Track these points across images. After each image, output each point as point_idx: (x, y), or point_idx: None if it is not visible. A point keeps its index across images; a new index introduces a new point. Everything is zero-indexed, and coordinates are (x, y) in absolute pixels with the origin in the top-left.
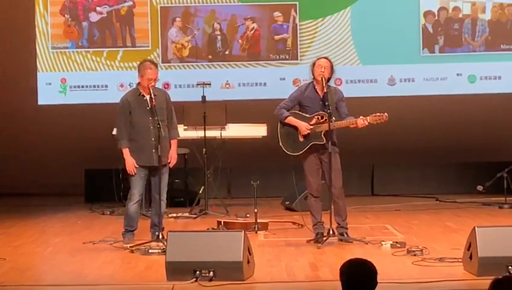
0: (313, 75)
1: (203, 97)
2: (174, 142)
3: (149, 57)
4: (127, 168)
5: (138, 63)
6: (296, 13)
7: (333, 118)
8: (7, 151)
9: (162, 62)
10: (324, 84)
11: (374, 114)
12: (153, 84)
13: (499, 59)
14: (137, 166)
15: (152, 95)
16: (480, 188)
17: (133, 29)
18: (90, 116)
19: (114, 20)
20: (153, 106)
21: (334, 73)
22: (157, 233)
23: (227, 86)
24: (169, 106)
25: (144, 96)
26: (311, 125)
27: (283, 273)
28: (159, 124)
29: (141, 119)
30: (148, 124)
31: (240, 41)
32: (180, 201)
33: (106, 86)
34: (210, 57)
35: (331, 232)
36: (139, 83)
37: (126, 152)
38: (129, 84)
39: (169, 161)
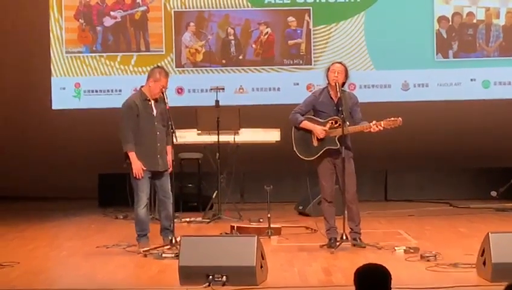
0: (327, 80)
1: (217, 102)
2: (169, 148)
3: (163, 62)
4: (135, 172)
5: (151, 67)
6: (310, 18)
7: (347, 122)
8: (21, 155)
9: (176, 67)
10: (338, 89)
11: (387, 119)
12: (163, 91)
13: None
14: (144, 169)
15: (166, 99)
16: (494, 193)
17: (147, 33)
18: (104, 121)
19: (128, 24)
20: (167, 109)
21: (348, 78)
22: (170, 237)
23: (241, 90)
24: (168, 112)
25: (150, 101)
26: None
27: (296, 278)
28: (172, 128)
29: (147, 124)
30: (155, 129)
31: (253, 46)
32: (194, 206)
33: (120, 90)
34: (224, 61)
35: (344, 237)
36: (143, 87)
37: (133, 155)
38: (139, 88)
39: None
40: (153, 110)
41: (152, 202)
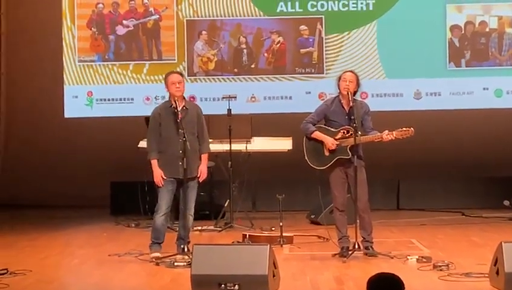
0: (339, 89)
1: (229, 110)
2: (204, 157)
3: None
4: (155, 180)
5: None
6: (322, 27)
7: (359, 132)
8: (33, 163)
9: (188, 75)
10: (350, 98)
11: (400, 129)
12: (178, 86)
13: None
14: (165, 178)
15: (178, 108)
16: (506, 203)
17: (159, 42)
18: (116, 129)
19: (140, 33)
20: (180, 118)
21: (360, 86)
22: (182, 246)
23: (253, 99)
24: (201, 120)
25: (176, 108)
26: (336, 139)
27: (308, 287)
28: (184, 136)
29: (171, 131)
30: (178, 136)
31: (265, 54)
32: (206, 214)
33: (132, 99)
34: (236, 70)
35: (356, 246)
36: (169, 96)
37: (154, 163)
38: (155, 97)
39: (198, 175)
40: (177, 118)
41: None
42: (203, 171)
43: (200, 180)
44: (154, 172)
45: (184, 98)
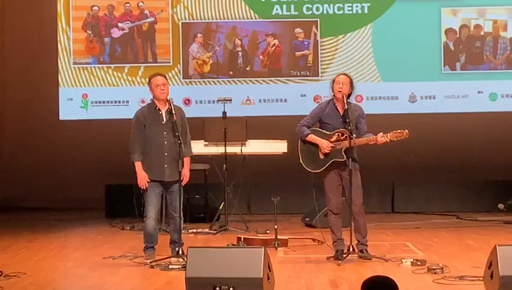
0: (333, 91)
1: (224, 113)
2: (186, 160)
3: (170, 73)
4: (139, 182)
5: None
6: (317, 30)
7: (354, 135)
8: (28, 166)
9: (183, 78)
10: (344, 101)
11: (394, 131)
12: (163, 88)
13: None
14: (148, 181)
15: (173, 111)
16: (501, 206)
17: (155, 45)
18: (111, 132)
19: (136, 36)
20: (174, 121)
21: (354, 89)
22: (177, 249)
23: (248, 102)
24: (184, 123)
25: (160, 110)
26: (331, 142)
27: None
28: (179, 140)
29: (155, 133)
30: (163, 138)
31: (261, 57)
32: (200, 217)
33: (127, 101)
34: (231, 73)
35: (351, 249)
36: (153, 98)
37: (138, 166)
38: (150, 100)
39: (181, 178)
40: (162, 120)
41: (161, 213)
42: (185, 175)
43: (183, 183)
44: (138, 175)
45: (167, 100)
